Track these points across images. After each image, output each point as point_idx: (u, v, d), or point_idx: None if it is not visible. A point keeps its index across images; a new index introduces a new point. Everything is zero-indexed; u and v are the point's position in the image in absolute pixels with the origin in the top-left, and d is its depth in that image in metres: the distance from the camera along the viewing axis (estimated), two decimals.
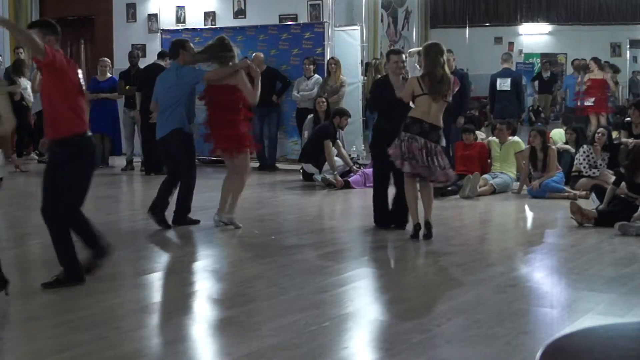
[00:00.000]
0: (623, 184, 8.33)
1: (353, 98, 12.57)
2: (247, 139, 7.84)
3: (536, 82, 16.31)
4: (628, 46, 16.75)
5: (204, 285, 5.84)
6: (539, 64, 17.02)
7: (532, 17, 17.78)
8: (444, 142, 7.35)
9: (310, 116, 11.89)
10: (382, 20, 15.35)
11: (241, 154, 7.84)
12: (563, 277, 6.11)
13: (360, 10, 13.69)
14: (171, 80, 7.87)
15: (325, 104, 11.76)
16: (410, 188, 7.25)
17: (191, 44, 8.14)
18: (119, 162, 13.14)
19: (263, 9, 13.93)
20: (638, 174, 8.10)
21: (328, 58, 12.52)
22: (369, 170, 10.86)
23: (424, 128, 7.03)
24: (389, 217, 7.76)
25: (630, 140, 10.33)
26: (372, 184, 10.43)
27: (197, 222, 7.94)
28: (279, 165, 12.86)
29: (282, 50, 13.06)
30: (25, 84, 13.22)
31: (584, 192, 9.66)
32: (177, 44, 8.05)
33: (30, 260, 6.70)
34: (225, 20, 14.33)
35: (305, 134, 11.72)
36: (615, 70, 14.55)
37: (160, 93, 7.93)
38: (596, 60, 13.58)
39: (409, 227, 7.35)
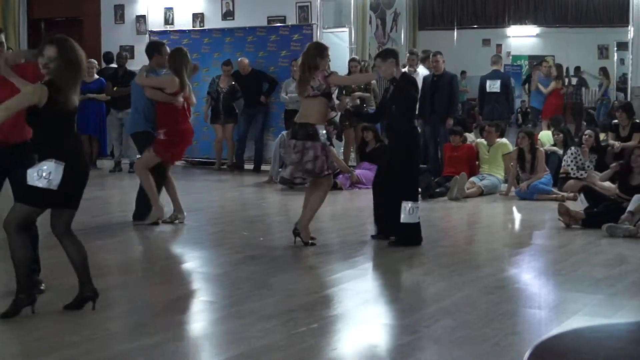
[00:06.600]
0: (610, 184, 8.43)
1: None
2: None
3: (526, 85, 16.29)
4: (615, 48, 16.78)
5: (193, 287, 5.83)
6: (527, 66, 17.04)
7: (519, 19, 17.82)
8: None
9: (283, 133, 11.45)
10: (370, 22, 15.35)
11: None
12: (551, 278, 6.13)
13: (348, 12, 13.70)
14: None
15: None
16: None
17: (167, 49, 8.03)
18: (106, 163, 13.09)
19: (251, 11, 13.93)
20: (632, 175, 8.31)
21: None
22: (359, 172, 10.86)
23: None
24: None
25: (617, 143, 10.38)
26: (363, 185, 10.49)
27: None
28: (266, 168, 12.77)
29: (271, 52, 13.06)
30: None
31: (571, 194, 9.69)
32: (151, 46, 8.11)
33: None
34: (214, 21, 14.32)
35: (282, 151, 11.42)
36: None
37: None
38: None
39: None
